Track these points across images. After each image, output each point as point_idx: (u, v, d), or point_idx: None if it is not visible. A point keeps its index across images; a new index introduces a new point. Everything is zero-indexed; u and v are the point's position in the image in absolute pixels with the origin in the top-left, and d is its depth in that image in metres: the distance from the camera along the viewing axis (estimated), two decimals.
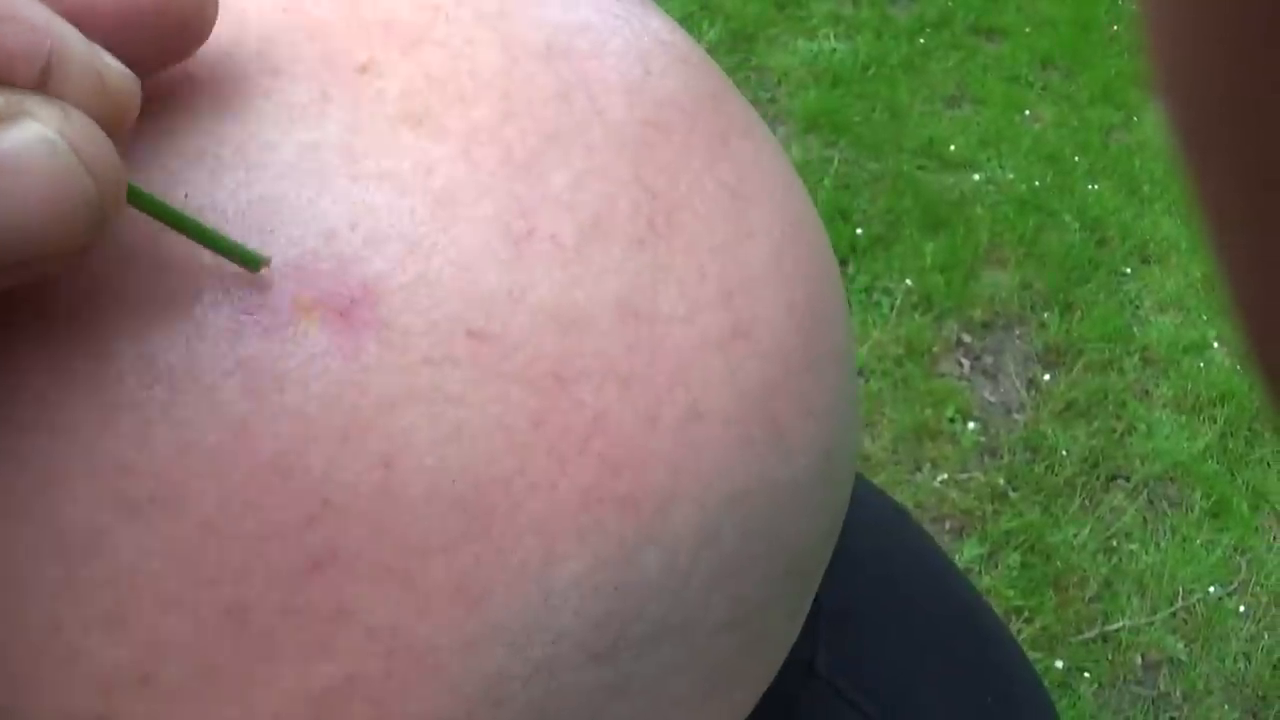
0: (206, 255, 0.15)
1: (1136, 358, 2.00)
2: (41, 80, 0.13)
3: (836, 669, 0.34)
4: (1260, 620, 1.70)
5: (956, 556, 1.67)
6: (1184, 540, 1.77)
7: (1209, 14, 0.13)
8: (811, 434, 0.20)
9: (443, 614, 0.16)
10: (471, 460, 0.16)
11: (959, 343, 1.96)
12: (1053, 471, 1.80)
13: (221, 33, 0.17)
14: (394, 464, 0.15)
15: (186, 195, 0.16)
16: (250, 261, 0.15)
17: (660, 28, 0.21)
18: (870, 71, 2.41)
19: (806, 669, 0.33)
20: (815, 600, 0.34)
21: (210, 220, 0.16)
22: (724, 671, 0.20)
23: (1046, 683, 1.56)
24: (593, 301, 0.17)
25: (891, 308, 1.96)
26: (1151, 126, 2.48)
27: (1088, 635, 1.63)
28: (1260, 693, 1.63)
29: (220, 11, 0.16)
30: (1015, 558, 1.67)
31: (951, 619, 0.41)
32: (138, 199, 0.15)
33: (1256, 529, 1.80)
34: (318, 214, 0.16)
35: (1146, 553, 1.74)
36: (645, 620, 0.17)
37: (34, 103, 0.13)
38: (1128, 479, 1.83)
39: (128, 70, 0.14)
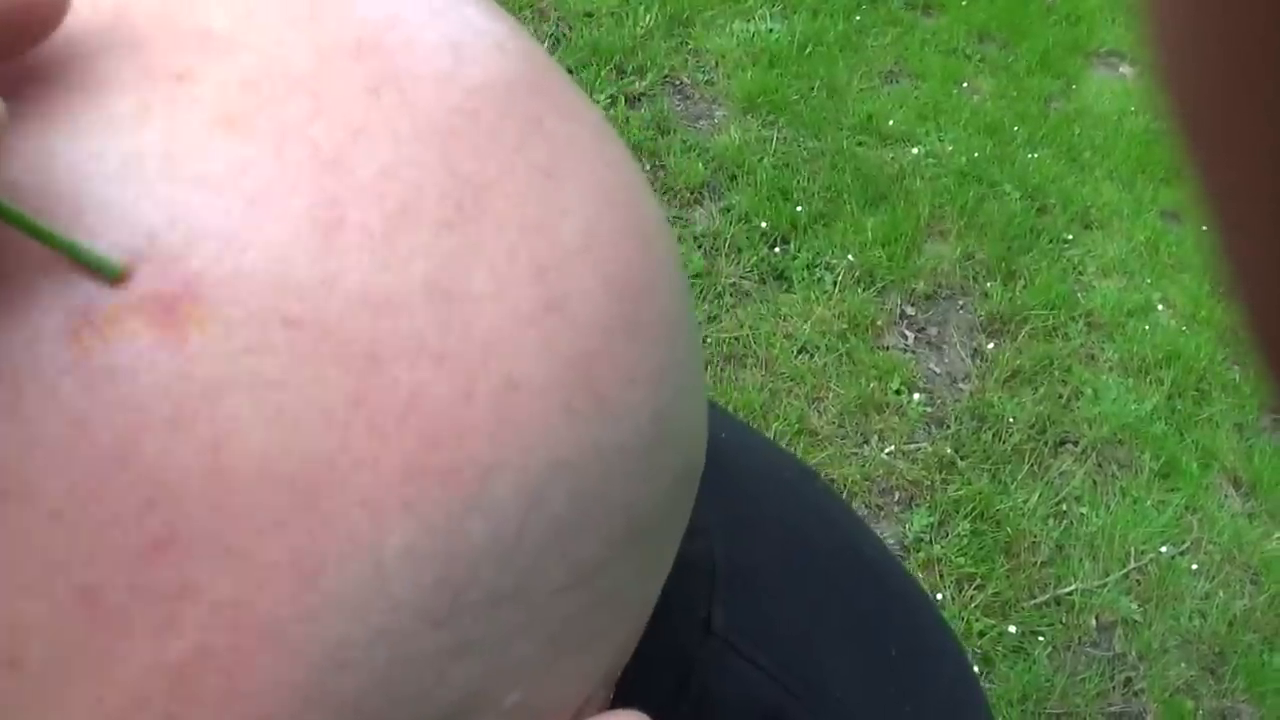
0: (41, 259, 0.16)
1: (1081, 323, 2.01)
2: None
3: (732, 626, 0.34)
4: (1213, 578, 1.71)
5: (906, 526, 1.66)
6: (1134, 502, 1.77)
7: (1210, 5, 0.14)
8: (637, 399, 0.20)
9: (281, 587, 0.17)
10: (295, 440, 0.17)
11: (903, 315, 1.96)
12: (1000, 439, 1.80)
13: (49, 47, 0.18)
14: (222, 447, 0.16)
15: (22, 205, 0.17)
16: (105, 268, 0.16)
17: (475, 16, 0.22)
18: (807, 50, 2.41)
19: (703, 627, 0.34)
20: (710, 560, 0.34)
21: (44, 225, 0.16)
22: (571, 632, 0.21)
23: (1000, 649, 1.56)
24: (402, 284, 0.18)
25: (834, 283, 1.95)
26: (1090, 94, 2.49)
27: (1041, 599, 1.64)
28: (1216, 649, 1.63)
29: None
30: (965, 526, 1.67)
31: (855, 576, 0.41)
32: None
33: (1206, 487, 1.81)
34: (140, 217, 0.17)
35: (1097, 515, 1.74)
36: (479, 585, 0.18)
37: None
38: (1076, 443, 1.84)
39: None
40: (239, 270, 0.17)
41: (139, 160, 0.17)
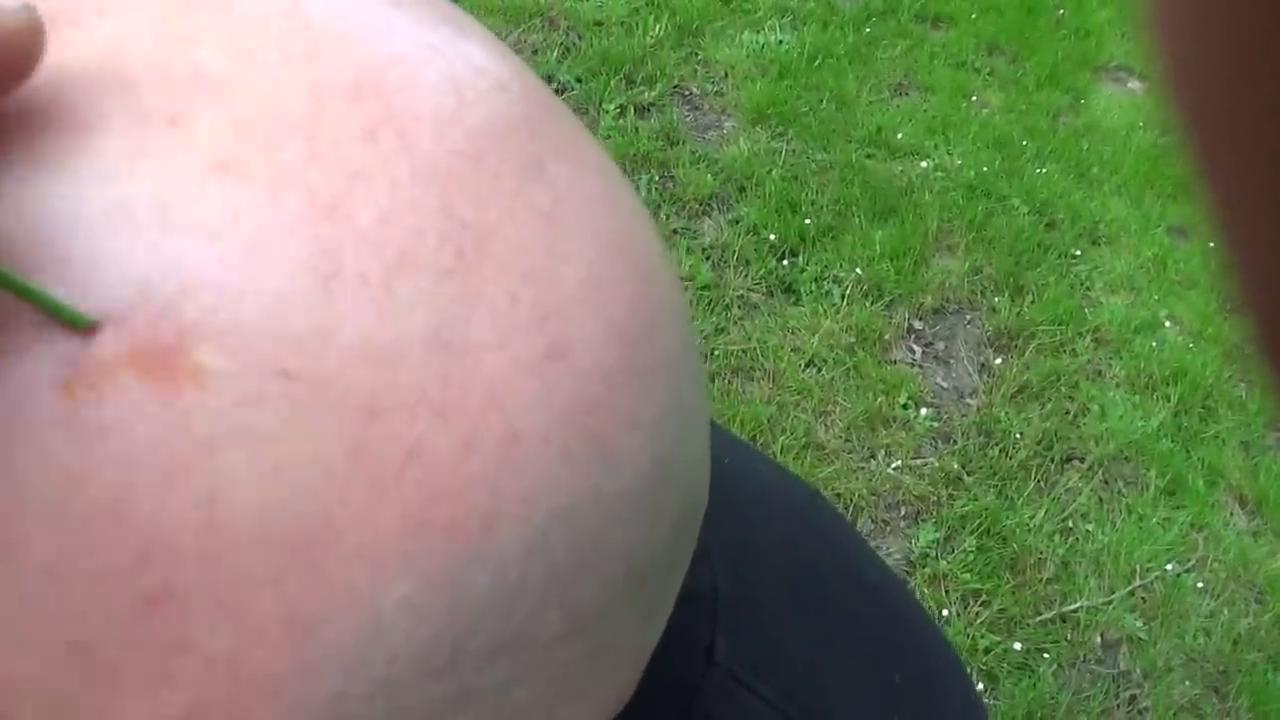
0: (28, 310, 0.16)
1: (1088, 339, 2.00)
2: None
3: (735, 656, 0.34)
4: (1219, 596, 1.71)
5: (912, 542, 1.66)
6: (1140, 519, 1.77)
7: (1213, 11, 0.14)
8: (639, 445, 0.20)
9: (278, 641, 0.16)
10: (292, 495, 0.16)
11: (910, 329, 1.96)
12: (1007, 455, 1.80)
13: (38, 89, 0.17)
14: (218, 503, 0.16)
15: (6, 254, 0.16)
16: (77, 321, 0.16)
17: (477, 55, 0.21)
18: (817, 62, 2.41)
19: (704, 658, 0.33)
20: (713, 590, 0.34)
21: (30, 276, 0.16)
22: (570, 680, 0.20)
23: (1005, 665, 1.56)
24: (402, 335, 0.17)
25: (842, 296, 1.95)
26: (1099, 109, 2.49)
27: (1046, 616, 1.63)
28: (1221, 667, 1.63)
29: (38, 69, 0.17)
30: (971, 541, 1.67)
31: (859, 601, 0.40)
32: None
33: (1212, 505, 1.81)
34: (132, 266, 0.16)
35: (1103, 532, 1.74)
36: (480, 635, 0.18)
37: None
38: (1082, 460, 1.83)
39: None
40: (235, 321, 0.16)
41: (130, 207, 0.17)
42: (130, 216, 0.17)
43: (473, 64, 0.21)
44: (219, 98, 0.18)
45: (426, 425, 0.17)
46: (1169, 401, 1.93)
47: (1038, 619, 1.63)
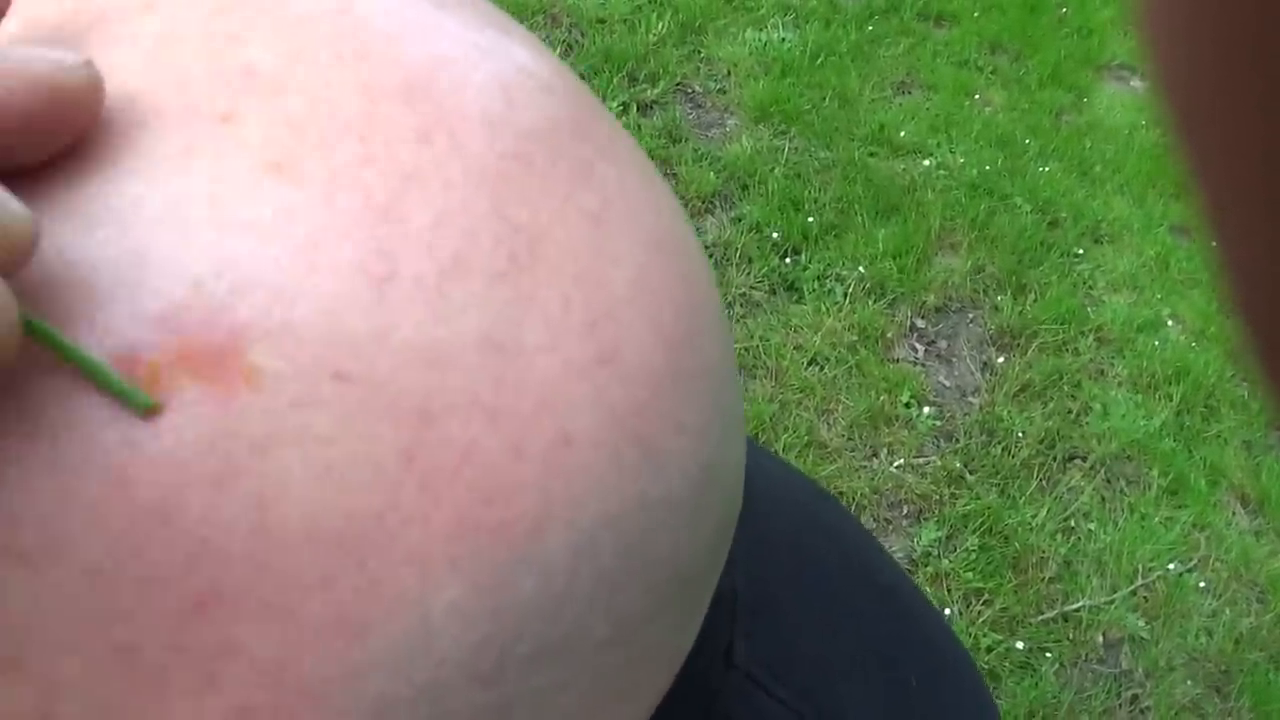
0: (76, 305, 0.16)
1: (1091, 338, 2.00)
2: None
3: (754, 658, 0.34)
4: (1221, 595, 1.71)
5: (915, 540, 1.66)
6: (1142, 518, 1.77)
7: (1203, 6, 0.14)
8: (685, 450, 0.20)
9: (325, 646, 0.16)
10: (344, 498, 0.16)
11: (913, 328, 1.96)
12: (1009, 453, 1.80)
13: None
14: (269, 505, 0.16)
15: (60, 252, 0.16)
16: (137, 403, 0.16)
17: (523, 56, 0.21)
18: (819, 60, 2.41)
19: (724, 660, 0.33)
20: (732, 591, 0.34)
21: (83, 274, 0.16)
22: (612, 686, 0.20)
23: (1008, 664, 1.56)
24: (456, 337, 0.17)
25: (845, 295, 1.95)
26: (1102, 107, 2.49)
27: (1048, 615, 1.63)
28: (1223, 667, 1.63)
29: None
30: (974, 540, 1.67)
31: (872, 600, 0.41)
32: (32, 330, 0.15)
33: (1215, 504, 1.81)
34: (185, 265, 0.16)
35: (1105, 532, 1.74)
36: (526, 641, 0.18)
37: None
38: (1085, 459, 1.83)
39: (22, 208, 0.15)
40: (289, 322, 0.16)
41: (184, 205, 0.17)
42: (183, 214, 0.17)
43: (520, 66, 0.21)
44: (271, 97, 0.18)
45: (479, 428, 0.17)
46: (1171, 401, 1.93)
47: (1040, 618, 1.63)
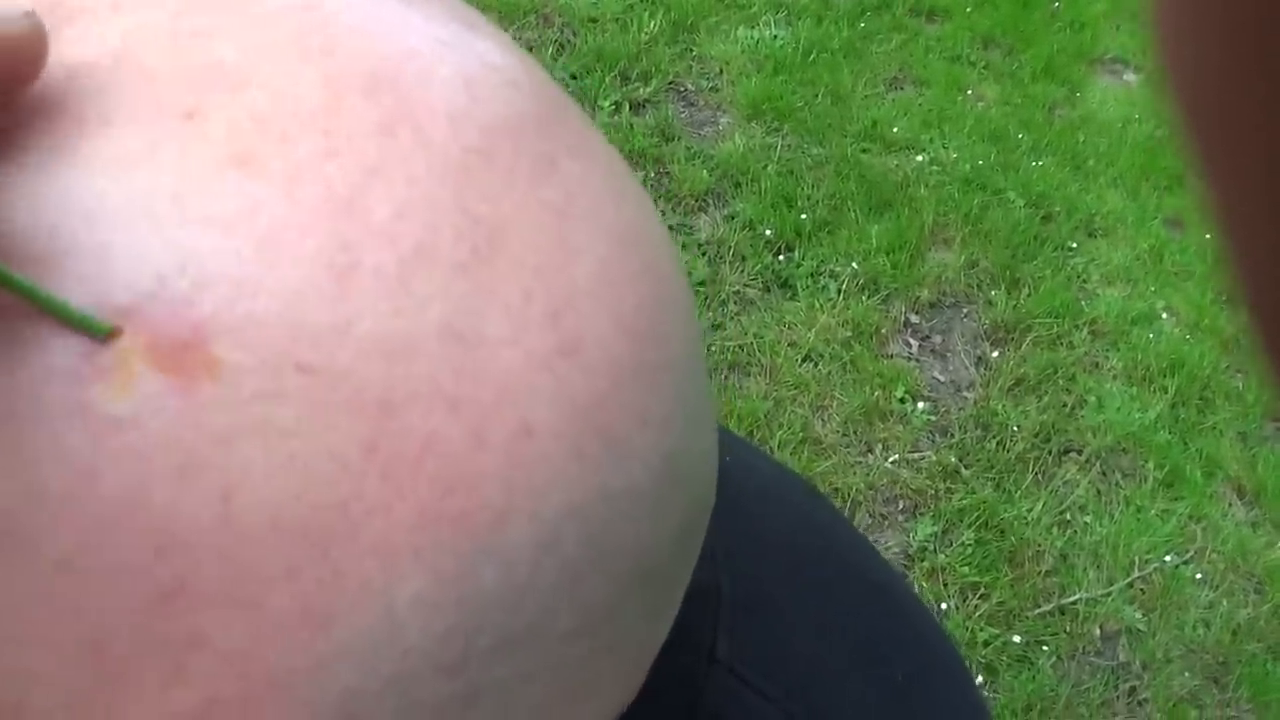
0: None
1: (1085, 331, 2.00)
2: None
3: (739, 656, 0.34)
4: (1218, 587, 1.71)
5: (910, 536, 1.66)
6: (1138, 511, 1.77)
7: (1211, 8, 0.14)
8: (648, 442, 0.20)
9: (291, 637, 0.16)
10: (307, 489, 0.16)
11: (907, 323, 1.96)
12: (1004, 447, 1.80)
13: (55, 84, 0.18)
14: (232, 497, 0.16)
15: (25, 246, 0.16)
16: (95, 329, 0.16)
17: (489, 52, 0.21)
18: (812, 57, 2.41)
19: (708, 657, 0.33)
20: (715, 587, 0.34)
21: (49, 270, 0.16)
22: (578, 677, 0.20)
23: (1005, 658, 1.56)
24: (417, 329, 0.17)
25: (838, 291, 1.95)
26: (1094, 101, 2.49)
27: (1045, 609, 1.63)
28: (1220, 658, 1.63)
29: (54, 64, 0.17)
30: (970, 535, 1.67)
31: (864, 599, 0.41)
32: None
33: (1211, 496, 1.81)
34: (148, 259, 0.16)
35: (1101, 524, 1.74)
36: (490, 632, 0.18)
37: None
38: (1080, 452, 1.83)
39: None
40: (251, 315, 0.17)
41: (147, 200, 0.17)
42: (147, 209, 0.17)
43: (485, 61, 0.21)
44: (235, 92, 0.18)
45: (440, 418, 0.17)
46: (1166, 393, 1.93)
47: (1036, 611, 1.63)
